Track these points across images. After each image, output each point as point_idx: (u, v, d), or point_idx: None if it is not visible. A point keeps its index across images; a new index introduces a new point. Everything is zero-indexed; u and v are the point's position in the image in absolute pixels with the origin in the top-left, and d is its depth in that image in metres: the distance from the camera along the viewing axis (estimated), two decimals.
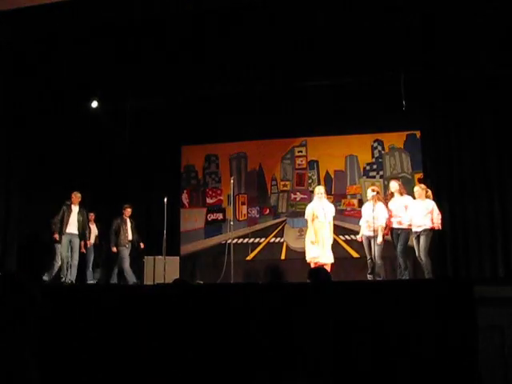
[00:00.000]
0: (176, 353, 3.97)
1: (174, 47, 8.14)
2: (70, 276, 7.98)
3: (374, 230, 7.24)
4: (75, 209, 8.22)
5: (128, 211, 8.85)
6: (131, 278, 8.37)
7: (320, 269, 5.59)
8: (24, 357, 2.25)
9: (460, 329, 3.52)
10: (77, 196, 8.26)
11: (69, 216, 8.10)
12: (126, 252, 8.63)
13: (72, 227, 8.10)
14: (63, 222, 8.06)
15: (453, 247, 8.77)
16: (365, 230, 7.57)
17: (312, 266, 7.29)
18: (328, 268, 7.16)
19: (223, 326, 4.09)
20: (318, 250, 7.44)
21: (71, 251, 8.06)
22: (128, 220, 8.84)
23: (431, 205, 7.25)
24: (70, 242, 8.09)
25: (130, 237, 8.75)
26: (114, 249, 8.68)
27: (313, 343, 3.69)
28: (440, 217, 7.25)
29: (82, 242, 8.34)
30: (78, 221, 8.17)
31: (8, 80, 8.38)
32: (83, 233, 8.29)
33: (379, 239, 7.29)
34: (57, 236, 8.17)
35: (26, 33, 7.56)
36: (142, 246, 8.86)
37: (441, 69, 8.54)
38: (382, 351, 3.59)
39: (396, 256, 7.43)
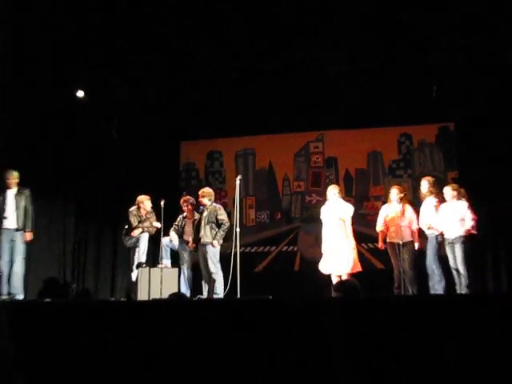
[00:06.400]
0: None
1: (166, 17, 8.03)
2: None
3: (402, 236, 7.33)
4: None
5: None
6: None
7: (347, 282, 5.81)
8: None
9: None
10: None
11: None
12: None
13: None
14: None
15: (493, 256, 8.71)
16: (392, 236, 7.57)
17: (334, 278, 7.44)
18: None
19: (226, 348, 4.13)
20: (333, 259, 7.47)
21: None
22: None
23: (465, 207, 7.22)
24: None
25: None
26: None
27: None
28: (473, 221, 7.15)
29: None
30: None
31: None
32: None
33: (417, 245, 7.46)
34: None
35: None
36: None
37: (478, 48, 8.29)
38: None
39: (426, 266, 7.33)
